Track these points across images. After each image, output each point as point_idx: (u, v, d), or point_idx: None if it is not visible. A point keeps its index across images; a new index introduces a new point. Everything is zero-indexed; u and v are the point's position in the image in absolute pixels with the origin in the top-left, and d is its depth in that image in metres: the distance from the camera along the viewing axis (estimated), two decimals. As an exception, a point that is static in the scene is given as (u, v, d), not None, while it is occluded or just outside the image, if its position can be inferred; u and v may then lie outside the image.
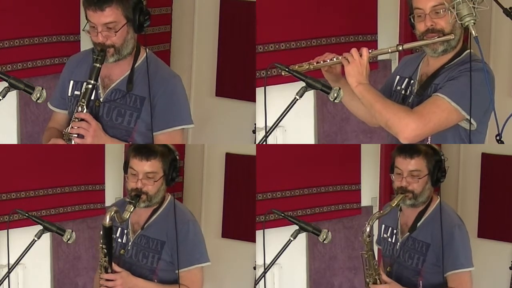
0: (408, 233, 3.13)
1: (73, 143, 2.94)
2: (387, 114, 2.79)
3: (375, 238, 3.27)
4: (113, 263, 2.99)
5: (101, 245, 2.94)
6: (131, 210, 2.95)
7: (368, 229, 2.97)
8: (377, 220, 3.10)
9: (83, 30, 2.98)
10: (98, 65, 2.91)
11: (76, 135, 2.93)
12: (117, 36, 2.91)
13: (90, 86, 2.93)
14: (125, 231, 3.13)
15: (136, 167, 3.01)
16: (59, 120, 3.17)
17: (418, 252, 3.09)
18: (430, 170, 3.04)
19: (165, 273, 3.08)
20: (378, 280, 3.05)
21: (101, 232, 2.91)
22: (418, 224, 3.11)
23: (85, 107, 2.93)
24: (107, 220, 2.85)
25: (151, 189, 3.01)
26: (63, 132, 2.95)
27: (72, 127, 2.93)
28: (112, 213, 2.85)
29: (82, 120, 2.93)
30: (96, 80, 2.93)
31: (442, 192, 3.11)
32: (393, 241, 3.21)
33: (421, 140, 2.84)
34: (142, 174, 3.00)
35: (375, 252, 3.08)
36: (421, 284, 3.09)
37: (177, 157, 3.07)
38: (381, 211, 3.05)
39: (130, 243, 3.11)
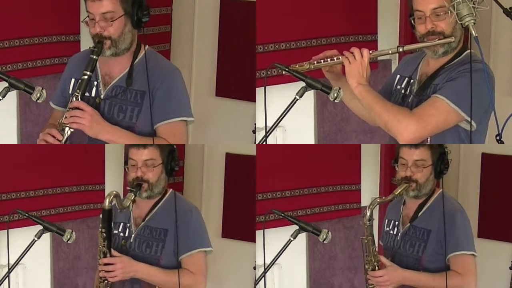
0: (409, 223, 3.14)
1: (66, 132, 2.90)
2: (386, 116, 2.79)
3: (376, 237, 3.26)
4: (112, 250, 2.98)
5: (100, 229, 2.95)
6: (132, 198, 2.98)
7: (368, 213, 2.99)
8: (379, 219, 3.10)
9: (82, 22, 2.99)
10: (94, 56, 2.92)
11: (69, 127, 2.91)
12: (114, 27, 2.91)
13: (85, 77, 2.93)
14: (127, 225, 3.15)
15: (134, 157, 3.04)
16: (58, 118, 3.15)
17: (419, 240, 3.10)
18: (434, 161, 3.05)
19: (169, 263, 3.07)
20: (377, 267, 3.06)
21: (101, 216, 2.92)
22: (420, 214, 3.12)
23: (79, 97, 2.93)
24: (107, 203, 2.88)
25: (152, 177, 3.05)
26: (58, 122, 2.95)
27: (65, 117, 2.92)
28: (112, 196, 2.88)
29: (76, 108, 2.92)
30: (92, 71, 2.93)
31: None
32: (395, 233, 3.21)
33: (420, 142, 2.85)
34: (141, 162, 3.03)
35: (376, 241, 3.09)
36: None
37: (175, 148, 3.09)
38: (383, 197, 3.06)
39: (132, 236, 3.12)
